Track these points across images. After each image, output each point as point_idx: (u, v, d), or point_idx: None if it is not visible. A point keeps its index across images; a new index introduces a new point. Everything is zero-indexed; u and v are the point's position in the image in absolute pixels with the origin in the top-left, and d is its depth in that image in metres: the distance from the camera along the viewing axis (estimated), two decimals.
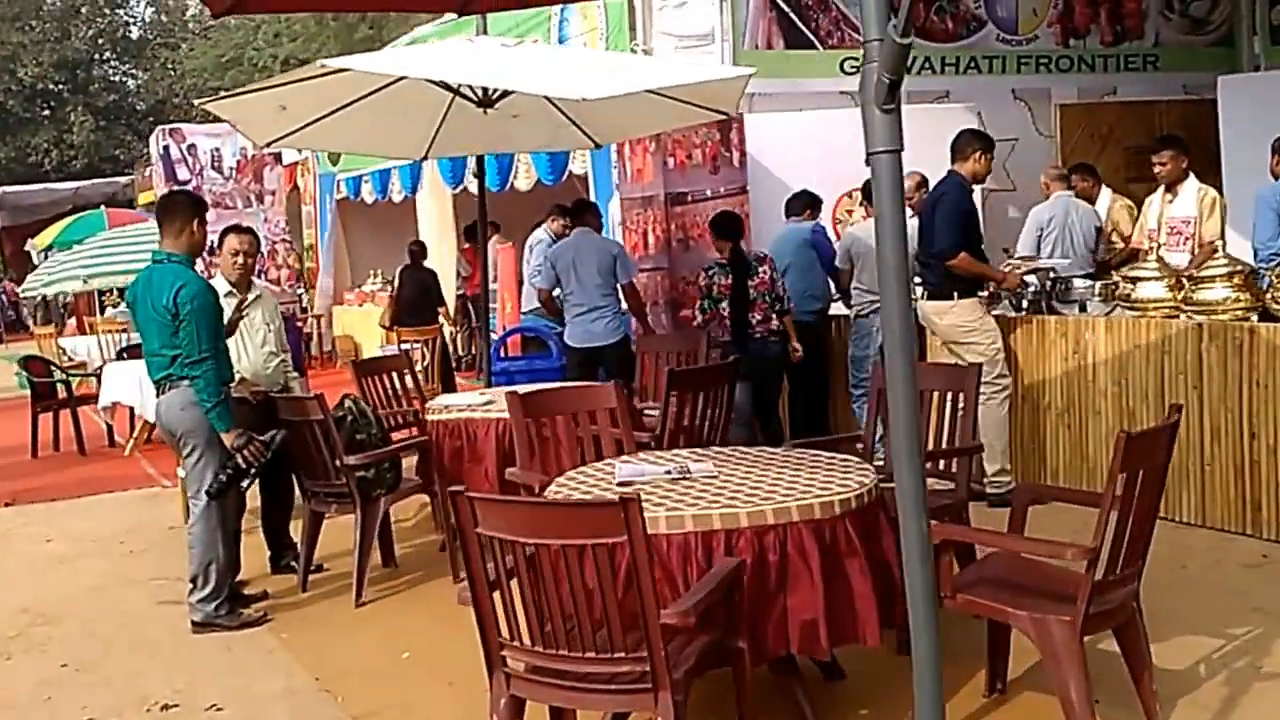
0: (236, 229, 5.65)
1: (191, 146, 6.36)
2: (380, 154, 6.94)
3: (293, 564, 5.76)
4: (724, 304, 6.50)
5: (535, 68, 5.50)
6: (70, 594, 5.74)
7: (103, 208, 18.14)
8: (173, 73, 35.08)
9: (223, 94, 5.86)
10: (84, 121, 33.27)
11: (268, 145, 6.31)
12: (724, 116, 6.34)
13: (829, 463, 3.77)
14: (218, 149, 6.48)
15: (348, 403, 5.32)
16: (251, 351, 5.58)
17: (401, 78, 5.79)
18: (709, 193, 7.78)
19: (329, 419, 5.06)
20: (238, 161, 6.50)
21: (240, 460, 4.78)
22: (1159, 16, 9.65)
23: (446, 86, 5.99)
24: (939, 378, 4.72)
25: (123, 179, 26.72)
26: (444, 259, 12.12)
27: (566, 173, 10.28)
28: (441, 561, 5.65)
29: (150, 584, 5.79)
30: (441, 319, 10.56)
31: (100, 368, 11.92)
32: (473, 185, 10.42)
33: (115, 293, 15.47)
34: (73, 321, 16.33)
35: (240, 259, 5.58)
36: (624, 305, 7.12)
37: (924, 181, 7.85)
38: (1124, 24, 9.66)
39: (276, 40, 28.22)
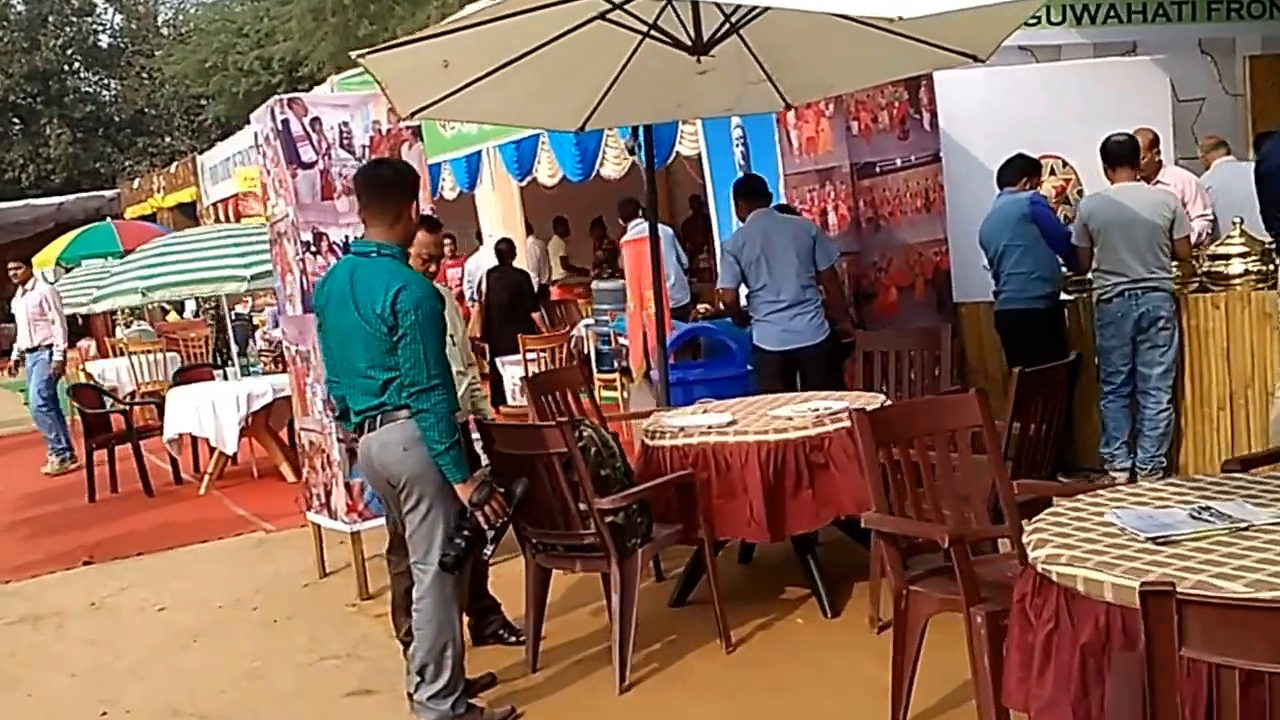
0: (427, 221, 4.50)
1: (315, 121, 5.22)
2: (533, 125, 5.86)
3: (501, 633, 4.64)
4: None
5: None
6: (223, 683, 4.58)
7: (109, 220, 16.90)
8: (150, 81, 33.61)
9: (380, 46, 4.70)
10: (60, 134, 31.74)
11: (411, 115, 5.17)
12: (970, 60, 5.23)
13: None
14: (346, 123, 5.30)
15: (587, 431, 4.17)
16: None
17: (596, 16, 4.71)
18: (898, 162, 6.69)
19: (576, 452, 3.93)
20: (370, 138, 5.34)
21: (480, 519, 3.64)
22: None
23: (653, 31, 4.89)
24: None
25: (108, 192, 25.34)
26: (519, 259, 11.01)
27: (595, 170, 9.33)
28: (688, 618, 4.56)
29: (320, 666, 4.65)
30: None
31: (134, 393, 10.78)
32: (543, 176, 9.43)
33: (128, 310, 14.29)
34: (85, 344, 15.06)
35: (430, 263, 4.44)
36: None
37: (1156, 140, 6.83)
38: None
39: (269, 39, 26.82)
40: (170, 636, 5.28)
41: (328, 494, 5.53)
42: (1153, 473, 5.68)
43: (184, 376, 9.37)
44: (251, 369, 9.29)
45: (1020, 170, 6.19)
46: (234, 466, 8.66)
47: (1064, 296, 6.20)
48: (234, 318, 16.67)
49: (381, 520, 5.47)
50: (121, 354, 13.08)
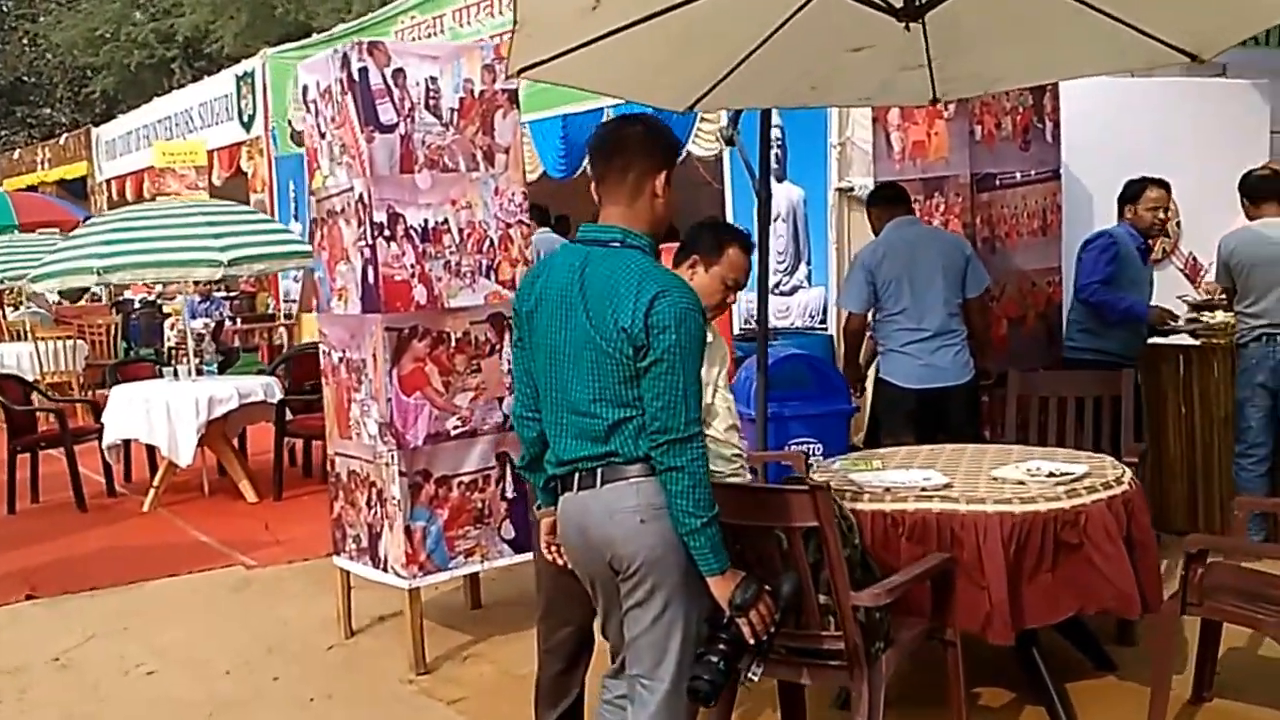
0: (739, 239, 3.41)
1: (399, 73, 4.13)
2: (644, 100, 4.88)
3: None
4: None
5: None
6: None
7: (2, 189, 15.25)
8: (34, 48, 31.18)
9: None
10: None
11: (520, 73, 4.13)
12: (1187, 59, 4.42)
13: None
14: (434, 80, 4.24)
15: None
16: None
17: None
18: (1018, 176, 5.89)
19: (832, 529, 2.93)
20: (460, 100, 4.28)
21: (744, 627, 2.59)
22: None
23: None
24: None
25: None
26: None
27: (583, 167, 8.40)
28: None
29: None
30: None
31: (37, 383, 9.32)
32: None
33: (14, 291, 12.70)
34: None
35: (730, 293, 3.36)
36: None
37: None
38: None
39: (171, 12, 24.93)
40: (175, 716, 4.11)
41: (374, 538, 4.44)
42: None
43: (124, 373, 8.04)
44: (207, 368, 8.01)
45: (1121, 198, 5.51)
46: (173, 478, 7.38)
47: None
48: (137, 305, 15.21)
49: (445, 574, 4.45)
50: (19, 338, 11.54)
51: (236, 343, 12.51)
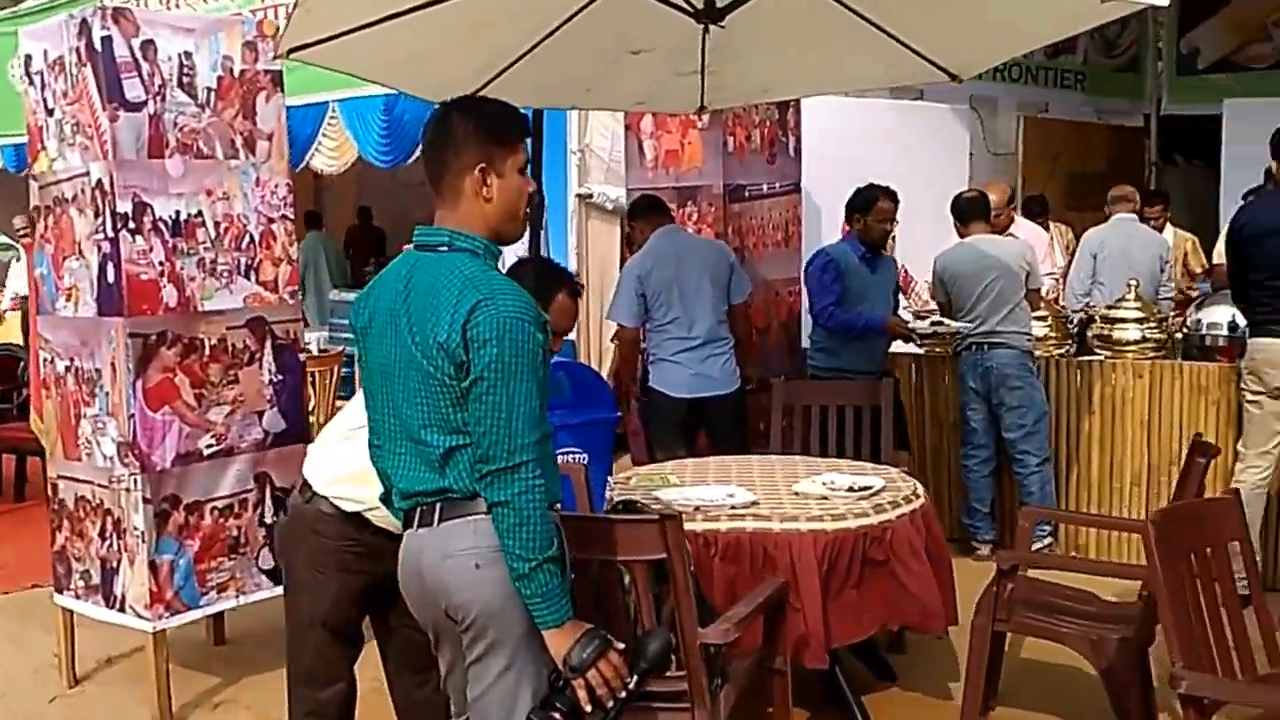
0: (570, 285, 3.08)
1: (149, 45, 3.56)
2: (413, 91, 4.50)
3: None
4: None
5: None
6: None
7: None
8: None
9: None
10: None
11: (289, 54, 3.73)
12: (948, 78, 4.56)
13: None
14: (189, 55, 3.70)
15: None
16: None
17: None
18: (765, 188, 6.01)
19: (681, 561, 2.78)
20: (219, 79, 3.78)
21: (580, 693, 2.26)
22: (1087, 34, 9.11)
23: None
24: None
25: None
26: None
27: (418, 152, 7.85)
28: None
29: None
30: None
31: None
32: (322, 160, 7.74)
33: None
34: None
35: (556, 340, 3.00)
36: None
37: (1012, 194, 6.69)
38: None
39: None
40: None
41: (108, 574, 3.88)
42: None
43: None
44: None
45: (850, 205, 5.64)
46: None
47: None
48: None
49: (196, 613, 3.96)
50: None
51: None
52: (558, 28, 4.29)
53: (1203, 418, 5.11)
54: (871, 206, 5.18)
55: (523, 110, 2.56)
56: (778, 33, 4.41)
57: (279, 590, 4.02)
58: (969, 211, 5.56)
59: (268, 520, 4.08)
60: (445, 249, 2.33)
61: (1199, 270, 7.40)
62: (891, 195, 5.29)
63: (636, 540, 2.79)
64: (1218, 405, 5.09)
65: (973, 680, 3.54)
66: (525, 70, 4.49)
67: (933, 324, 5.22)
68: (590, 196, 7.04)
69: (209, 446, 3.92)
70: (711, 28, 4.24)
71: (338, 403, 6.58)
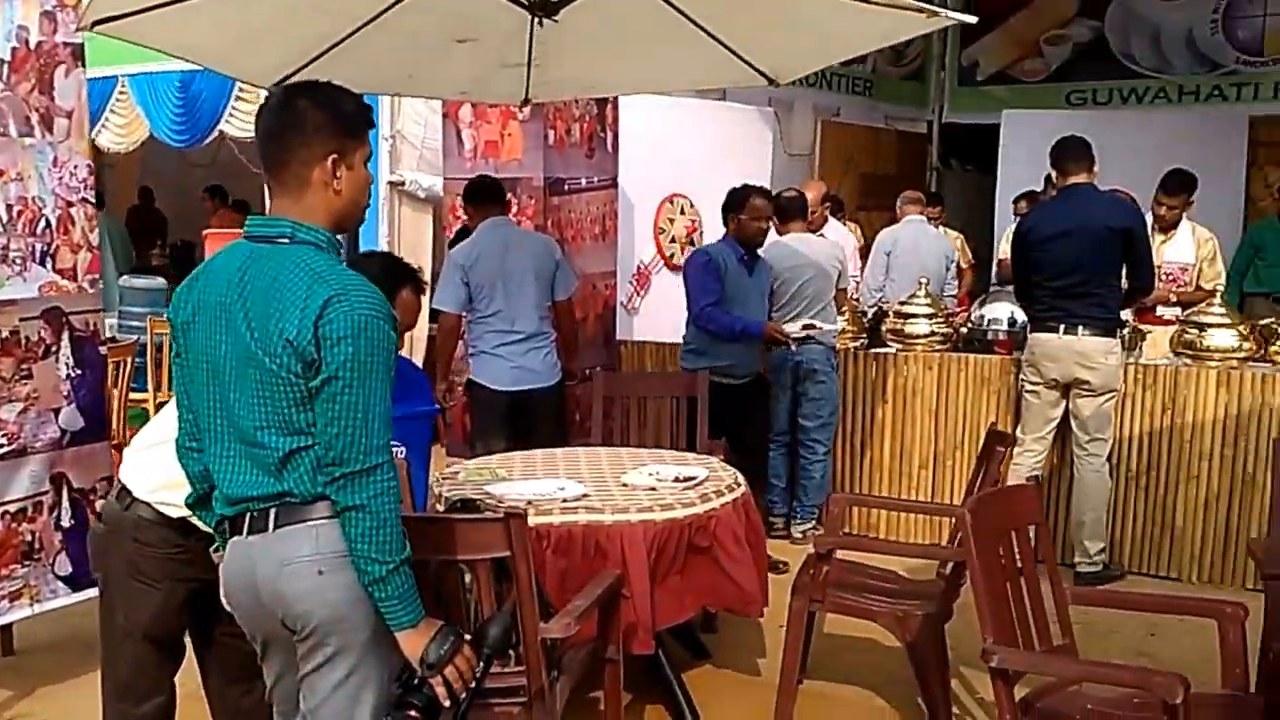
0: (412, 279, 3.05)
1: None
2: (225, 71, 4.25)
3: None
4: None
5: None
6: None
7: None
8: None
9: None
10: None
11: (93, 26, 3.52)
12: (766, 81, 4.68)
13: None
14: None
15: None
16: None
17: None
18: (584, 181, 6.04)
19: (527, 558, 2.77)
20: (13, 51, 3.50)
21: (439, 688, 2.25)
22: None
23: None
24: None
25: None
26: None
27: (215, 132, 7.51)
28: None
29: None
30: None
31: None
32: (108, 138, 7.27)
33: None
34: None
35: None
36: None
37: (828, 194, 6.93)
38: None
39: None
40: None
41: None
42: (804, 521, 5.65)
43: None
44: None
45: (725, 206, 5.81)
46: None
47: None
48: None
49: None
50: None
51: None
52: (384, 11, 4.20)
53: (985, 406, 5.45)
54: (745, 204, 5.20)
55: None
56: (606, 29, 4.43)
57: (78, 597, 3.86)
58: (788, 210, 5.68)
59: (64, 524, 3.85)
60: (286, 241, 2.25)
61: (964, 265, 7.93)
62: (765, 194, 5.33)
63: (480, 539, 2.77)
64: (998, 395, 5.44)
65: (790, 657, 3.69)
66: (347, 53, 4.39)
67: (804, 327, 5.33)
68: (402, 184, 6.92)
69: (0, 447, 3.67)
70: (545, 21, 4.24)
71: (130, 395, 6.25)
